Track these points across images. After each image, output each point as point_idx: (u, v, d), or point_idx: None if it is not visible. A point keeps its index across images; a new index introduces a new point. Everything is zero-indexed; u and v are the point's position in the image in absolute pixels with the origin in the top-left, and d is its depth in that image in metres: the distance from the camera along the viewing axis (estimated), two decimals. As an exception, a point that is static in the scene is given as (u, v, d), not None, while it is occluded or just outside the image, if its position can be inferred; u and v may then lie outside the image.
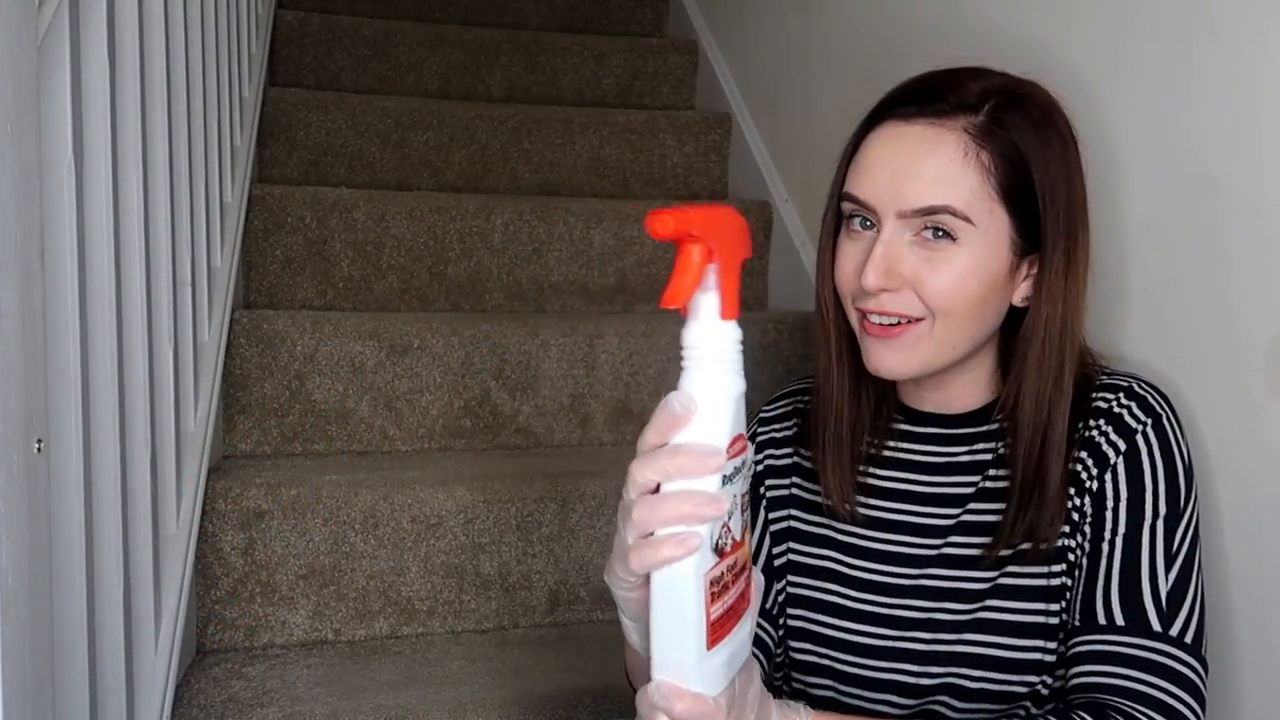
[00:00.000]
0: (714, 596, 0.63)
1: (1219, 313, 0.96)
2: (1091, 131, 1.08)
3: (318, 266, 1.84)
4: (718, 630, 0.63)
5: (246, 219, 1.79)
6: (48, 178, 0.88)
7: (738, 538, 0.65)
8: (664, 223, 0.58)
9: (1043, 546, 0.87)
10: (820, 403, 0.95)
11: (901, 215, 0.84)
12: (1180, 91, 1.01)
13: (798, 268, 1.95)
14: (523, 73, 2.43)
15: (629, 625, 0.73)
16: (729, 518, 0.63)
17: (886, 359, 0.87)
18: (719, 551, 0.63)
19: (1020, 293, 0.89)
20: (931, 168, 0.84)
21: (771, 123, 2.13)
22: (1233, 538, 0.95)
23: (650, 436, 0.63)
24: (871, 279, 0.84)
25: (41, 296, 0.77)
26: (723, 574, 0.63)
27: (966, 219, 0.83)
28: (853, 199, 0.88)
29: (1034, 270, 0.88)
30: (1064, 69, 1.14)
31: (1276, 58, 0.90)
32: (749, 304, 2.06)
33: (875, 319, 0.87)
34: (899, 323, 0.86)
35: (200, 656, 1.40)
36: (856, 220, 0.88)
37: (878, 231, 0.86)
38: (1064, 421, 0.87)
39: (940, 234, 0.84)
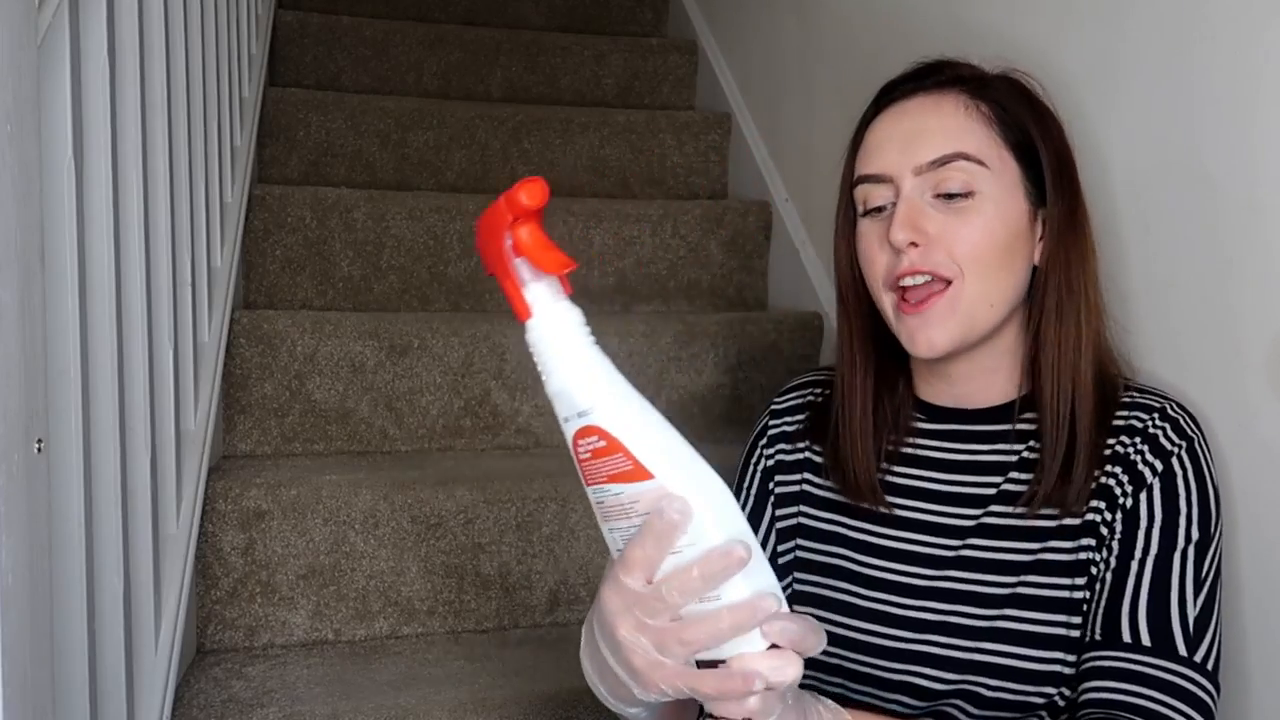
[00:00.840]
0: None
1: (1219, 313, 0.96)
2: (1090, 132, 1.09)
3: (318, 266, 1.84)
4: None
5: (246, 219, 1.79)
6: (48, 178, 0.88)
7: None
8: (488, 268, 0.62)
9: (1071, 518, 0.87)
10: (843, 397, 0.95)
11: (918, 171, 0.87)
12: (1179, 92, 1.01)
13: (798, 268, 1.95)
14: (523, 73, 2.43)
15: (634, 713, 0.72)
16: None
17: (926, 332, 0.88)
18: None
19: (1039, 251, 0.91)
20: (937, 123, 0.88)
21: (771, 123, 2.13)
22: (1233, 538, 0.95)
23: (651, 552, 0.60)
24: (900, 235, 0.86)
25: (41, 296, 0.77)
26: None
27: (981, 162, 0.87)
28: (867, 177, 0.90)
29: (1046, 230, 0.91)
30: (1063, 69, 1.14)
31: (1274, 57, 0.90)
32: (749, 304, 2.06)
33: (910, 281, 0.87)
34: (930, 282, 0.87)
35: (200, 656, 1.40)
36: (872, 209, 0.91)
37: (894, 202, 0.89)
38: (1089, 375, 0.88)
39: (957, 195, 0.86)
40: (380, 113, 2.12)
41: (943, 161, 0.86)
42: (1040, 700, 0.86)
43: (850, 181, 0.93)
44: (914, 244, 0.86)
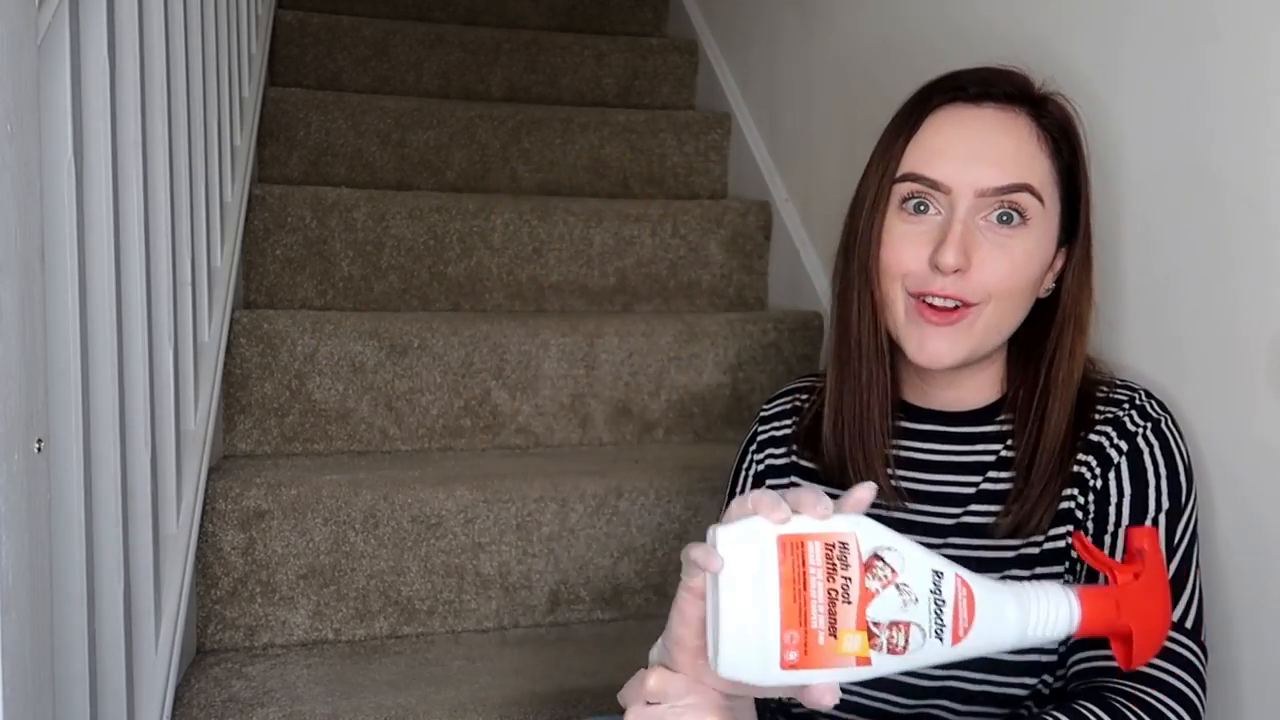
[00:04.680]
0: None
1: (1219, 312, 0.96)
2: (1091, 131, 1.08)
3: (318, 266, 1.84)
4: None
5: (246, 219, 1.79)
6: (48, 178, 0.88)
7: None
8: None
9: (1033, 546, 0.88)
10: (858, 387, 0.92)
11: (981, 194, 0.85)
12: (1181, 90, 1.01)
13: (798, 268, 1.95)
14: (523, 73, 2.43)
15: None
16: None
17: (937, 344, 0.86)
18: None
19: (1045, 284, 0.91)
20: (1012, 148, 0.86)
21: (771, 123, 2.13)
22: (1230, 538, 0.95)
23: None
24: (951, 258, 0.83)
25: (41, 296, 0.77)
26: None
27: (1040, 199, 0.86)
28: (922, 179, 0.86)
29: (1059, 263, 0.91)
30: (1063, 69, 1.13)
31: (1277, 56, 0.90)
32: (749, 304, 2.06)
33: (938, 302, 0.86)
34: (956, 306, 0.86)
35: (200, 656, 1.40)
36: (912, 204, 0.87)
37: (945, 213, 0.86)
38: (1073, 410, 0.89)
39: (1009, 218, 0.85)
40: (380, 112, 2.12)
41: (1009, 190, 0.85)
42: (1023, 692, 0.87)
43: (894, 170, 0.88)
44: (960, 269, 0.84)
